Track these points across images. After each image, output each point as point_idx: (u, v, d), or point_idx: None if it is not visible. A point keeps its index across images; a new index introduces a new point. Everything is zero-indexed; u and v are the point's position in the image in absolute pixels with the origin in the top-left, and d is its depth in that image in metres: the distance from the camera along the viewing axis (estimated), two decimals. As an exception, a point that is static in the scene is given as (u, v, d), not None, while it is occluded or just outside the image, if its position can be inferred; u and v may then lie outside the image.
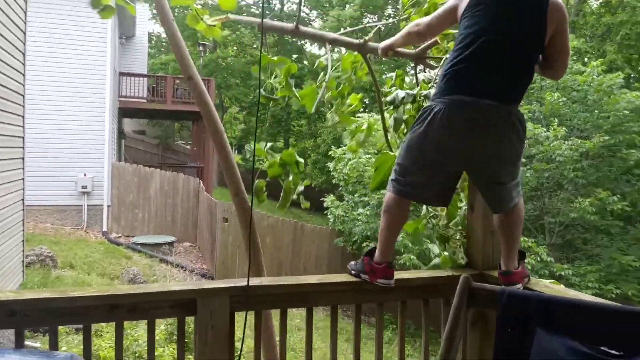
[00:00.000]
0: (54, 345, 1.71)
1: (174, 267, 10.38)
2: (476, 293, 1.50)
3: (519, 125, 1.79)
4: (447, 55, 2.01)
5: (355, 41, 2.54)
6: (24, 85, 6.10)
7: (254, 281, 2.01)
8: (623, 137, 8.80)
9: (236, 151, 38.74)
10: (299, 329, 7.47)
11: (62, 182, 11.56)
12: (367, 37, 2.48)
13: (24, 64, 6.15)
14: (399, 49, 2.36)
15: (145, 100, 15.65)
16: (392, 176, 1.99)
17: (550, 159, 8.24)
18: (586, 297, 1.74)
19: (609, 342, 1.20)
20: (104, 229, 11.97)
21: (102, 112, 11.98)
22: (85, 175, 11.73)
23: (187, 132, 30.45)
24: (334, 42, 2.61)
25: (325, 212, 11.29)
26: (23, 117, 6.05)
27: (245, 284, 1.94)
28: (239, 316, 1.98)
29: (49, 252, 8.63)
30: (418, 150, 1.87)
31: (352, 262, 2.18)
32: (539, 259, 7.46)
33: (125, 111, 15.97)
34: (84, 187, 11.70)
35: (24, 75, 6.13)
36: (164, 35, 29.40)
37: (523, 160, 8.23)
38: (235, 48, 28.11)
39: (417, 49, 2.45)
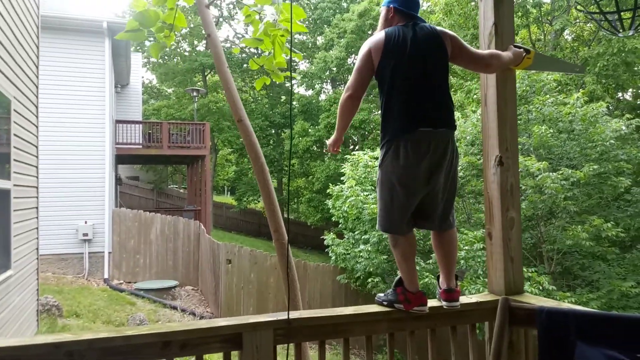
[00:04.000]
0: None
1: (178, 312, 10.37)
2: (515, 313, 1.69)
3: (454, 145, 2.15)
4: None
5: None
6: (37, 137, 6.31)
7: (294, 314, 2.13)
8: (611, 165, 9.11)
9: (228, 193, 38.90)
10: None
11: (63, 230, 11.62)
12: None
13: (37, 116, 6.39)
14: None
15: (141, 146, 15.86)
16: (379, 212, 2.22)
17: (541, 191, 8.50)
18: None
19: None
20: (106, 276, 11.95)
21: (102, 159, 12.18)
22: (86, 222, 11.81)
23: (180, 176, 30.62)
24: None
25: (325, 249, 11.39)
26: (37, 167, 6.24)
27: (286, 317, 2.06)
28: (280, 348, 2.10)
29: (54, 302, 8.64)
30: (390, 183, 2.10)
31: (381, 294, 2.32)
32: (541, 287, 7.58)
33: (120, 158, 16.15)
34: (85, 234, 11.76)
35: (37, 126, 6.35)
36: (155, 82, 29.99)
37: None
38: (224, 92, 28.68)
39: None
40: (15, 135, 4.99)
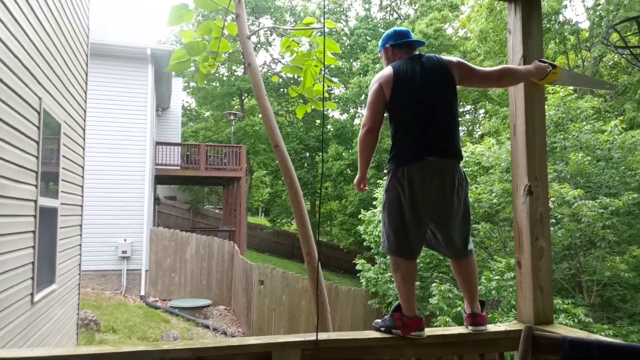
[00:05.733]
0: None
1: (210, 331, 10.51)
2: (539, 342, 1.71)
3: (462, 173, 2.22)
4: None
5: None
6: (83, 158, 6.65)
7: (322, 335, 2.18)
8: (652, 193, 8.85)
9: (262, 214, 39.31)
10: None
11: (103, 247, 12.03)
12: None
13: (83, 138, 6.74)
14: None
15: (179, 168, 16.34)
16: (382, 236, 2.27)
17: (578, 220, 8.32)
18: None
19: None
20: (142, 293, 12.26)
21: (143, 180, 12.61)
22: (125, 240, 12.19)
23: (216, 197, 31.19)
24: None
25: (357, 274, 11.39)
26: (82, 187, 6.55)
27: (314, 338, 2.12)
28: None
29: (93, 316, 8.92)
30: (396, 208, 2.17)
31: (378, 320, 2.34)
32: (576, 320, 7.35)
33: (159, 178, 16.66)
34: (124, 252, 12.13)
35: (83, 148, 6.70)
36: (194, 105, 30.88)
37: (553, 220, 8.34)
38: (260, 116, 29.27)
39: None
40: (63, 156, 5.30)
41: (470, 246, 2.33)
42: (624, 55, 2.57)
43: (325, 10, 25.00)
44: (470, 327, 2.31)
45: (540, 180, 2.59)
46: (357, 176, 2.38)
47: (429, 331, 2.38)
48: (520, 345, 1.73)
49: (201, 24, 3.32)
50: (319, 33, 3.46)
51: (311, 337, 2.11)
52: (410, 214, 2.15)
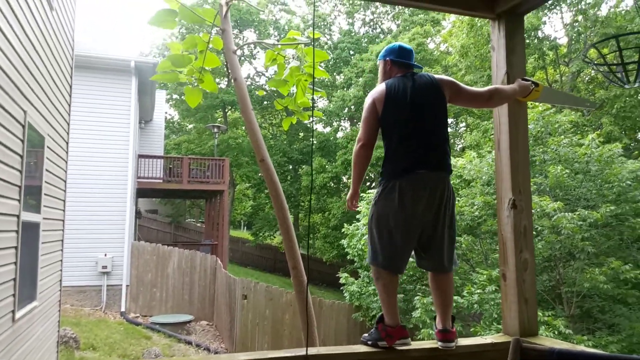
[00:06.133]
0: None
1: (192, 347, 10.37)
2: (527, 354, 1.75)
3: (451, 188, 2.26)
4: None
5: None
6: (65, 171, 6.57)
7: (312, 350, 2.19)
8: (629, 206, 9.05)
9: (245, 227, 39.03)
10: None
11: (83, 262, 11.81)
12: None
13: (66, 152, 6.66)
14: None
15: (161, 181, 16.20)
16: (368, 247, 2.30)
17: (558, 232, 8.46)
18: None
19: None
20: (123, 309, 12.05)
21: (124, 193, 12.46)
22: (105, 255, 12.00)
23: (197, 210, 30.91)
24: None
25: (341, 287, 11.38)
26: (64, 201, 6.46)
27: (304, 353, 2.12)
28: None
29: (72, 334, 8.74)
30: (384, 220, 2.20)
31: (365, 335, 2.35)
32: (556, 332, 7.42)
33: (141, 191, 16.47)
34: (104, 267, 11.93)
35: (66, 162, 6.62)
36: (176, 118, 30.73)
37: (533, 232, 8.45)
38: (243, 128, 29.26)
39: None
40: (47, 170, 5.23)
41: (452, 262, 2.34)
42: (601, 72, 2.66)
43: (311, 22, 25.21)
44: (440, 343, 2.31)
45: (524, 194, 2.66)
46: (350, 192, 2.42)
47: (418, 345, 2.41)
48: (509, 358, 1.76)
49: (187, 38, 3.34)
50: (305, 46, 3.51)
51: (301, 352, 2.12)
52: (399, 227, 2.18)
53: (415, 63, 2.47)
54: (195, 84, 3.46)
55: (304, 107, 3.71)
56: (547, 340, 2.55)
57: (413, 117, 2.23)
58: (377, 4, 26.40)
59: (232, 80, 3.43)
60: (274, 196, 3.13)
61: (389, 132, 2.26)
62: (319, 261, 22.73)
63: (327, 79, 26.75)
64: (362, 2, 25.60)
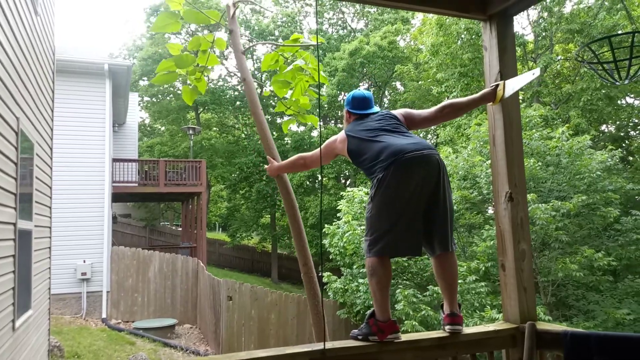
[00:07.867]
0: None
1: (179, 351, 10.33)
2: (542, 337, 1.90)
3: (444, 167, 2.34)
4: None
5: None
6: (51, 178, 6.49)
7: (328, 344, 2.26)
8: (599, 195, 9.43)
9: (220, 229, 38.71)
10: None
11: (62, 270, 11.58)
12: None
13: (51, 158, 6.58)
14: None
15: (137, 184, 16.00)
16: (367, 241, 2.33)
17: (532, 222, 8.76)
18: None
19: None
20: (104, 315, 11.88)
21: (102, 198, 12.29)
22: (84, 261, 11.82)
23: (172, 213, 30.55)
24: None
25: (323, 286, 11.46)
26: (50, 207, 6.39)
27: (321, 347, 2.20)
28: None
29: (56, 342, 8.61)
30: (388, 203, 2.24)
31: (355, 330, 2.36)
32: (538, 319, 7.67)
33: (116, 196, 16.20)
34: (84, 273, 11.75)
35: (51, 168, 6.54)
36: (148, 120, 30.28)
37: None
38: (216, 129, 29.02)
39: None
40: (36, 177, 5.18)
41: (453, 242, 2.39)
42: (595, 70, 2.84)
43: (281, 24, 25.18)
44: (447, 327, 2.38)
45: (519, 187, 2.79)
46: (275, 165, 2.93)
47: (426, 334, 2.53)
48: (525, 342, 1.90)
49: (192, 39, 3.35)
50: (306, 48, 3.59)
51: (318, 346, 2.19)
52: (402, 207, 2.22)
53: (372, 109, 2.66)
54: (194, 84, 3.50)
55: (300, 109, 3.77)
56: (546, 325, 2.71)
57: (377, 133, 2.40)
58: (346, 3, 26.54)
59: (242, 81, 3.47)
60: (284, 196, 3.22)
61: (360, 159, 2.42)
62: (297, 260, 22.75)
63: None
64: (331, 2, 25.73)
